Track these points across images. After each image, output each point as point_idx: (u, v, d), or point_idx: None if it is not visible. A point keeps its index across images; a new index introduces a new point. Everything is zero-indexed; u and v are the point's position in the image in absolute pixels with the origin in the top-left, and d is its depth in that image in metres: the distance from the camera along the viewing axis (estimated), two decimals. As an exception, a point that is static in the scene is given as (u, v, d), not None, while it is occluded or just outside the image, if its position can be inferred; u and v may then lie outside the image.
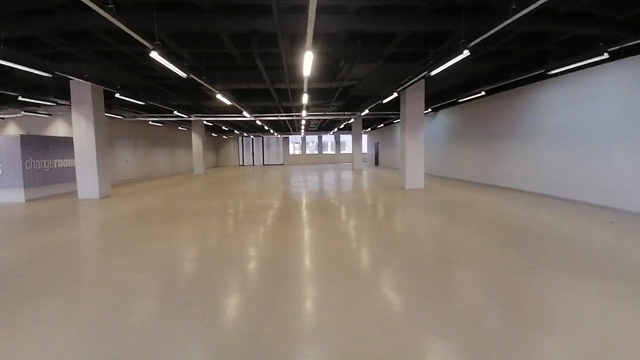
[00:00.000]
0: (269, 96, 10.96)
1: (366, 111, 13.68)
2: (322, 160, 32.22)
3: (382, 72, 8.44)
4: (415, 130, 10.79)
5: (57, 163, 10.79)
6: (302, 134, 29.98)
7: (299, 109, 13.54)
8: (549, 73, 6.63)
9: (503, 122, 10.83)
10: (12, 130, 13.52)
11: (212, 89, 8.09)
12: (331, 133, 29.82)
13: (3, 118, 13.24)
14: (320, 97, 11.94)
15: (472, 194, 9.48)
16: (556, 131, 8.43)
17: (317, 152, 33.14)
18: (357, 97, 12.25)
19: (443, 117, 15.24)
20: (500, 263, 3.84)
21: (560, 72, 7.41)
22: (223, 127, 22.74)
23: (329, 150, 33.54)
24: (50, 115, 12.98)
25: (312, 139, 33.30)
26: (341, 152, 32.73)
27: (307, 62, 5.68)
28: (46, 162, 10.40)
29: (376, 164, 28.13)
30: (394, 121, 20.17)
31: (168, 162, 20.95)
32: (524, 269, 3.60)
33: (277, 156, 32.51)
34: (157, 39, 5.09)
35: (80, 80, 8.31)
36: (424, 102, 10.74)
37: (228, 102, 9.88)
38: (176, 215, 7.24)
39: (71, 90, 9.68)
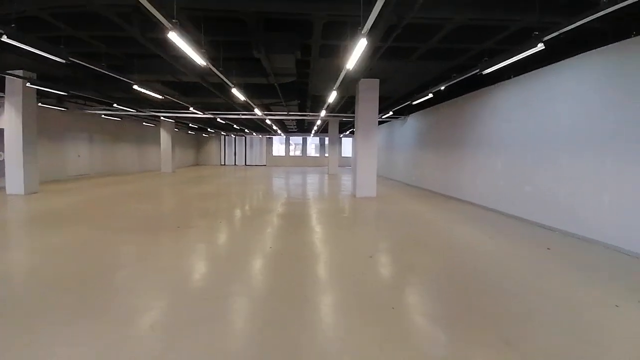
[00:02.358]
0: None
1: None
2: (305, 163, 31.39)
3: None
4: (368, 133, 9.97)
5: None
6: (282, 134, 29.19)
7: (263, 107, 12.80)
8: (484, 72, 5.81)
9: (458, 128, 10.03)
10: None
11: (126, 79, 7.27)
12: (312, 135, 29.00)
13: None
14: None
15: (420, 206, 8.63)
16: (507, 139, 7.60)
17: (300, 154, 32.32)
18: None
19: (412, 122, 14.42)
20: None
21: (497, 70, 6.57)
22: (191, 125, 21.92)
23: (314, 153, 32.68)
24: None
25: (296, 141, 32.50)
26: (326, 155, 31.90)
27: (358, 52, 4.81)
28: (-30, 155, 9.61)
29: (358, 168, 27.27)
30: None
31: (135, 158, 20.13)
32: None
33: (259, 157, 31.71)
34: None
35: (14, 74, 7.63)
36: (377, 103, 9.92)
37: (159, 96, 9.07)
38: (79, 218, 6.43)
39: (6, 81, 8.93)
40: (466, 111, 9.62)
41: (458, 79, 6.95)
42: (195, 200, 9.22)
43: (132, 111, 13.46)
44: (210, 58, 7.20)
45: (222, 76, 6.65)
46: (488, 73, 6.98)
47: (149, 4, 3.70)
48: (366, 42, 4.33)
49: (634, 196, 4.60)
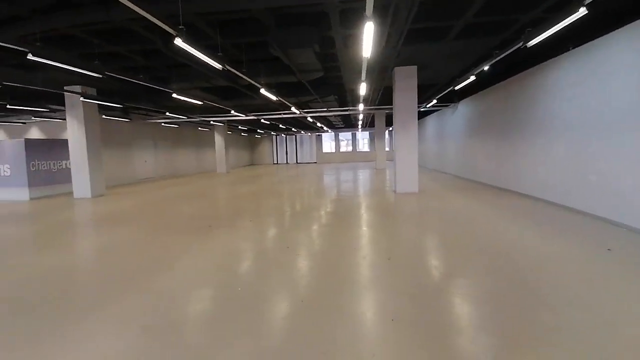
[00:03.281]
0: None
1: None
2: (355, 159, 30.97)
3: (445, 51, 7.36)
4: (406, 125, 9.33)
5: (59, 164, 11.59)
6: (330, 131, 29.10)
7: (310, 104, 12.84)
8: (528, 45, 4.94)
9: (511, 113, 8.89)
10: (35, 134, 15.06)
11: (167, 89, 7.78)
12: (360, 130, 28.43)
13: (24, 123, 14.77)
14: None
15: (465, 202, 7.83)
16: (567, 121, 6.48)
17: (350, 149, 31.95)
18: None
19: (462, 109, 13.21)
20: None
21: (551, 43, 5.59)
22: (239, 127, 22.89)
23: (364, 148, 32.03)
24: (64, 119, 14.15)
25: (346, 137, 32.19)
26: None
27: (368, 38, 4.50)
28: (49, 163, 11.23)
29: (410, 162, 26.05)
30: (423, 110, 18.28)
31: (193, 161, 21.80)
32: None
33: (310, 154, 32.13)
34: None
35: (71, 91, 8.77)
36: (416, 91, 9.22)
37: (195, 101, 9.55)
38: (132, 218, 7.10)
39: (65, 97, 10.26)
40: (519, 93, 8.48)
41: (501, 56, 6.08)
42: (240, 199, 9.56)
43: (183, 118, 14.50)
44: (235, 60, 7.38)
45: (246, 77, 6.73)
46: (541, 48, 6.06)
47: (149, 15, 3.82)
48: (373, 26, 3.95)
49: None
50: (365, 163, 27.09)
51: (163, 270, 3.85)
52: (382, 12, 5.09)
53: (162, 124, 17.02)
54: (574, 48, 6.29)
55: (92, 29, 6.04)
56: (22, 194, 10.34)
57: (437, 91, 11.37)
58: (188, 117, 14.46)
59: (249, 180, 15.44)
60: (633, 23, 4.83)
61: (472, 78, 7.77)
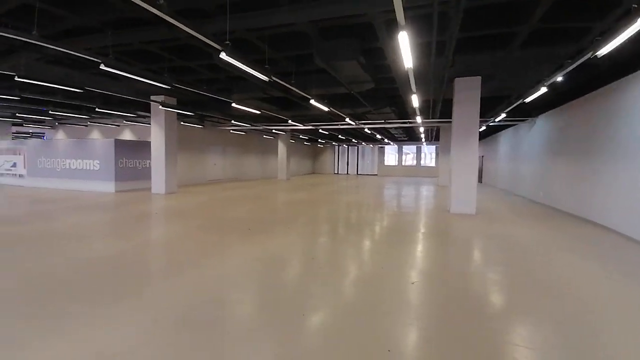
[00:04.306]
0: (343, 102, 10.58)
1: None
2: (419, 173, 29.56)
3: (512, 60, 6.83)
4: (465, 141, 8.59)
5: (142, 163, 13.26)
6: (393, 144, 28.31)
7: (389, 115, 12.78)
8: (598, 55, 4.15)
9: (595, 131, 7.58)
10: (127, 135, 17.46)
11: (227, 99, 8.41)
12: (425, 143, 27.10)
13: (119, 125, 17.21)
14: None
15: (527, 231, 6.84)
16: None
17: (414, 163, 30.64)
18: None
19: (540, 125, 11.72)
20: None
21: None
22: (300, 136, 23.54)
23: (430, 163, 30.42)
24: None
25: (410, 149, 31.01)
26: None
27: (405, 47, 4.26)
28: (134, 161, 12.94)
29: (480, 180, 23.96)
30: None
31: (257, 166, 23.12)
32: None
33: (371, 166, 31.69)
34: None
35: (153, 101, 10.13)
36: (478, 104, 8.46)
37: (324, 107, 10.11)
38: (191, 213, 7.82)
39: (151, 106, 11.79)
40: (601, 109, 7.24)
41: (572, 66, 5.27)
42: (289, 206, 9.82)
43: (247, 126, 15.50)
44: (285, 73, 7.66)
45: (294, 88, 6.93)
46: (628, 59, 5.13)
47: (196, 33, 4.18)
48: (407, 36, 3.74)
49: None
50: (430, 179, 25.69)
51: (183, 268, 4.10)
52: (423, 20, 4.81)
53: (231, 131, 18.43)
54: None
55: (164, 45, 6.86)
56: (108, 186, 12.09)
57: (506, 105, 10.29)
58: (252, 125, 15.42)
59: (304, 188, 15.78)
60: None
61: (544, 90, 6.85)
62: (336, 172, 32.88)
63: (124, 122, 15.90)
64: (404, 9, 3.47)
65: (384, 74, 7.84)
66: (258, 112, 10.31)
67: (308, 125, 14.79)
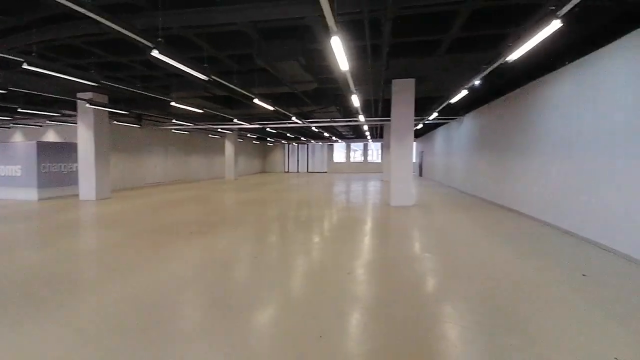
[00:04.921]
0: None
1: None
2: (366, 169, 30.79)
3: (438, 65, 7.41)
4: (402, 138, 9.22)
5: (69, 167, 12.07)
6: (342, 141, 29.14)
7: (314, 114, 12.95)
8: (509, 60, 4.82)
9: (510, 128, 8.67)
10: (51, 137, 15.79)
11: (166, 97, 8.05)
12: (372, 140, 28.30)
13: (41, 126, 15.51)
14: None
15: (456, 217, 7.61)
16: (558, 140, 6.24)
17: (362, 160, 31.82)
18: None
19: (467, 123, 12.96)
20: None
21: (550, 58, 5.44)
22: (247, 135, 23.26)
23: (376, 159, 31.81)
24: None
25: (358, 146, 32.12)
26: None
27: (339, 51, 4.47)
28: (60, 165, 11.73)
29: (420, 174, 25.70)
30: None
31: (204, 167, 22.27)
32: None
33: (321, 164, 32.22)
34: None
35: (80, 99, 9.23)
36: (413, 105, 9.12)
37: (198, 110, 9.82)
38: (123, 220, 7.32)
39: (78, 104, 10.77)
40: (516, 109, 8.30)
41: (487, 70, 5.96)
42: (236, 206, 9.68)
43: (190, 125, 14.89)
44: (228, 72, 7.56)
45: (236, 87, 6.87)
46: (538, 63, 5.92)
47: (123, 29, 3.99)
48: (339, 40, 3.97)
49: None
50: (376, 174, 26.88)
51: (115, 276, 3.93)
52: (356, 25, 5.11)
53: (172, 131, 17.52)
54: (570, 63, 6.09)
55: (93, 40, 6.37)
56: (31, 194, 10.84)
57: (438, 105, 11.23)
58: (195, 125, 14.84)
59: (253, 187, 15.61)
60: (624, 37, 4.64)
61: (465, 92, 7.63)
62: (287, 170, 32.90)
63: (47, 122, 14.31)
64: (336, 15, 3.69)
65: (327, 75, 8.10)
66: (200, 110, 9.99)
67: (255, 124, 14.65)
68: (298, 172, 32.32)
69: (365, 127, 17.46)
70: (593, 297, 3.25)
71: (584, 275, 3.84)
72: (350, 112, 14.53)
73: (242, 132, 21.43)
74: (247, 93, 7.53)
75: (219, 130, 18.22)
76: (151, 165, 17.29)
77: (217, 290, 3.50)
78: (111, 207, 9.49)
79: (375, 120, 14.84)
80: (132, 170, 15.84)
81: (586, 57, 5.54)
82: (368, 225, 6.82)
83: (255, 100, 8.14)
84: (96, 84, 6.31)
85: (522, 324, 2.72)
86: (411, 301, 3.20)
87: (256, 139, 27.23)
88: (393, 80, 9.00)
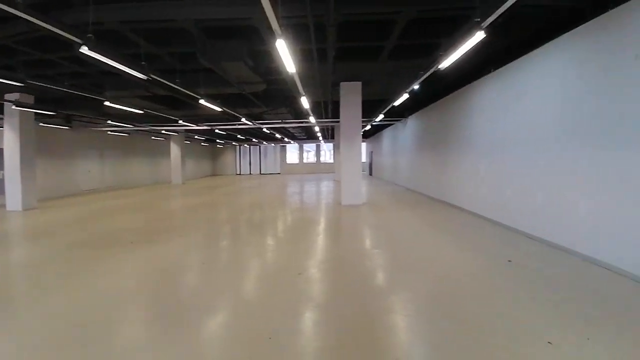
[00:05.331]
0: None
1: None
2: (319, 170, 31.14)
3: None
4: (351, 139, 9.52)
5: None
6: (294, 142, 29.21)
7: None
8: (441, 68, 5.26)
9: (447, 130, 9.40)
10: None
11: (99, 97, 7.41)
12: (324, 141, 28.74)
13: None
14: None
15: (402, 215, 8.05)
16: (489, 140, 6.91)
17: (315, 161, 32.14)
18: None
19: (411, 124, 13.75)
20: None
21: (479, 65, 6.00)
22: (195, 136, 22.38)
23: (328, 159, 32.33)
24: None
25: (310, 147, 32.37)
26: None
27: (285, 54, 4.45)
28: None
29: (370, 174, 26.67)
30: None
31: (146, 171, 20.83)
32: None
33: (274, 165, 31.91)
34: None
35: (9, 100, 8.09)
36: (360, 107, 9.46)
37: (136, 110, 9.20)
38: (49, 233, 6.56)
39: (4, 106, 9.48)
40: (451, 111, 9.03)
41: (424, 77, 6.41)
42: (183, 212, 9.21)
43: (129, 127, 13.88)
44: (170, 70, 7.20)
45: (180, 87, 6.56)
46: (472, 70, 6.44)
47: (54, 28, 3.63)
48: (284, 43, 4.00)
49: (610, 200, 3.88)
50: (329, 174, 27.31)
51: (44, 293, 3.56)
52: (302, 29, 5.19)
53: (109, 132, 16.15)
54: (495, 70, 6.76)
55: (21, 38, 5.67)
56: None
57: (383, 107, 11.77)
58: (135, 126, 13.86)
59: (202, 192, 14.98)
60: (541, 47, 5.25)
61: (406, 96, 8.11)
62: (238, 172, 32.04)
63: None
64: (280, 18, 3.71)
65: (275, 76, 8.06)
66: (140, 111, 9.36)
67: (202, 125, 14.07)
68: (250, 174, 31.68)
69: (317, 128, 17.67)
70: (519, 282, 3.66)
71: (509, 261, 4.30)
72: (301, 114, 14.61)
73: (189, 133, 20.46)
74: (191, 93, 7.23)
75: (163, 132, 17.17)
76: (84, 171, 15.77)
77: (163, 300, 3.33)
78: (40, 217, 8.51)
79: (326, 122, 15.09)
80: (64, 176, 14.31)
81: (508, 65, 6.20)
82: (319, 226, 6.93)
83: (202, 101, 7.84)
84: (22, 84, 5.61)
85: (461, 311, 2.98)
86: (360, 296, 3.33)
87: (205, 141, 26.15)
88: (341, 83, 9.25)
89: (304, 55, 6.29)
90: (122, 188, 17.50)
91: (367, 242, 5.57)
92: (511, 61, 6.10)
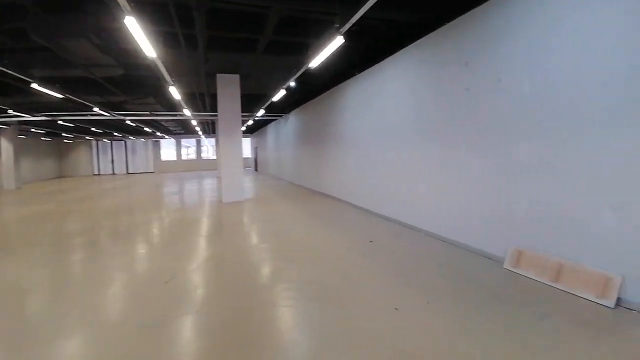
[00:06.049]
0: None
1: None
2: (200, 167, 29.07)
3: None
4: (231, 134, 9.18)
5: None
6: (169, 137, 26.55)
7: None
8: (311, 67, 5.60)
9: (324, 125, 10.10)
10: None
11: None
12: (205, 136, 27.05)
13: None
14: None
15: (283, 208, 8.25)
16: (356, 135, 7.71)
17: (195, 157, 29.84)
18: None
19: (293, 120, 14.19)
20: None
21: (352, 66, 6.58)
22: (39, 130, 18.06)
23: (211, 155, 30.48)
24: None
25: (190, 142, 29.86)
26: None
27: (138, 35, 3.92)
28: None
29: (256, 169, 26.46)
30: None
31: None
32: None
33: (145, 163, 28.17)
34: None
35: None
36: (239, 100, 9.19)
37: None
38: None
39: None
40: (325, 109, 9.69)
41: (297, 75, 6.67)
42: (14, 224, 7.16)
43: None
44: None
45: (5, 69, 5.04)
46: (340, 71, 6.88)
47: None
48: (135, 21, 3.50)
49: (442, 187, 4.82)
50: (211, 171, 25.78)
51: None
52: (162, 10, 4.69)
53: None
54: (359, 73, 7.53)
55: None
56: None
57: (263, 102, 11.77)
58: None
59: (45, 198, 12.03)
60: (394, 54, 6.07)
61: (284, 92, 8.30)
62: (97, 172, 27.01)
63: None
64: (129, -7, 3.22)
65: (135, 60, 7.03)
66: None
67: (40, 115, 11.25)
68: (114, 174, 27.17)
69: (195, 122, 16.42)
70: (377, 258, 4.19)
71: (370, 241, 4.89)
72: (174, 106, 13.29)
73: (24, 125, 16.12)
74: (21, 76, 5.67)
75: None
76: None
77: (-35, 345, 2.51)
78: None
79: (203, 115, 14.15)
80: None
81: (370, 68, 6.99)
82: (196, 226, 6.46)
83: (34, 85, 6.25)
84: None
85: (330, 289, 3.21)
86: (242, 292, 3.25)
87: (46, 135, 21.08)
88: (217, 75, 8.78)
89: (169, 40, 5.69)
90: None
91: (245, 238, 5.48)
92: (372, 65, 6.89)
